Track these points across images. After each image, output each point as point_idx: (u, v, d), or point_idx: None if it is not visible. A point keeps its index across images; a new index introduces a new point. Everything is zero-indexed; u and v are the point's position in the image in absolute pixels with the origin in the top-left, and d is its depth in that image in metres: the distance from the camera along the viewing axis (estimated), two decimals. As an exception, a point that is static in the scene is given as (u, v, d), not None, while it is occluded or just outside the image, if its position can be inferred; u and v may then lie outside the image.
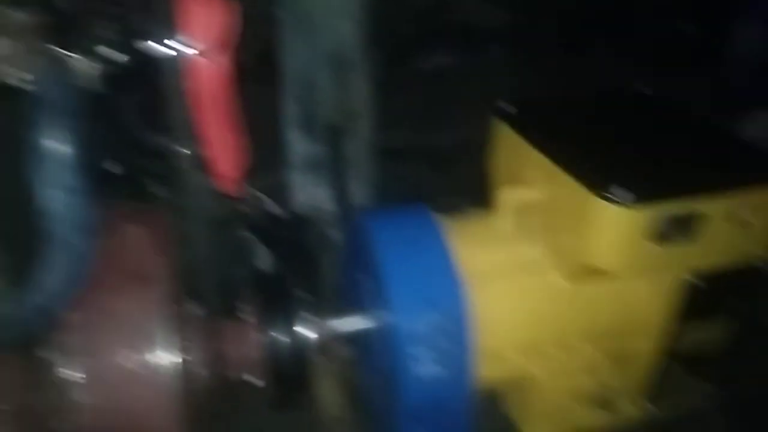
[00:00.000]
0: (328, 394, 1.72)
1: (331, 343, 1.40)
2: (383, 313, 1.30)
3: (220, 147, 1.07)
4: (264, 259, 2.50)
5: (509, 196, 1.43)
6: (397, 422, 1.35)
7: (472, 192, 1.67)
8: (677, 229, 1.25)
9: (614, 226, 1.23)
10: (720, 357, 1.52)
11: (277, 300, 1.36)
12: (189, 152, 1.05)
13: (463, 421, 1.37)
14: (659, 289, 1.36)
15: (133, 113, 1.15)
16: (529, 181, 1.44)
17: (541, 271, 1.39)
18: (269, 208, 2.97)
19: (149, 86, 1.07)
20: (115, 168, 1.33)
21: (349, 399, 1.70)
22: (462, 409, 1.34)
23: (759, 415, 2.22)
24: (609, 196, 1.22)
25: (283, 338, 1.31)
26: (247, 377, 1.34)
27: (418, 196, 1.74)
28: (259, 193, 3.05)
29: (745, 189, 1.26)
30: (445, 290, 1.28)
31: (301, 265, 2.56)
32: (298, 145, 3.02)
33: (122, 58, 1.05)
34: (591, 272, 1.32)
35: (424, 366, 1.27)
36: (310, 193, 3.05)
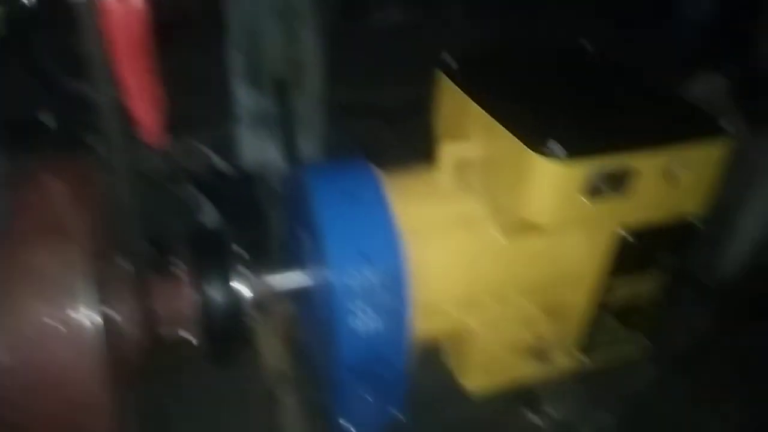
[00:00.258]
0: (271, 350, 1.71)
1: (269, 299, 1.38)
2: (321, 269, 1.28)
3: (139, 95, 1.01)
4: (205, 214, 2.45)
5: (449, 151, 1.42)
6: (337, 376, 1.35)
7: (425, 148, 1.65)
8: (610, 185, 1.25)
9: (549, 181, 1.23)
10: (651, 309, 1.56)
11: (213, 256, 1.33)
12: (108, 100, 0.99)
13: (401, 375, 1.37)
14: (592, 244, 1.38)
15: (47, 59, 1.08)
16: (470, 136, 1.42)
17: (479, 226, 1.39)
18: (215, 163, 2.89)
19: (63, 30, 0.99)
20: (38, 118, 1.25)
21: (291, 355, 1.69)
22: (400, 363, 1.35)
23: (688, 365, 2.33)
24: (543, 151, 1.21)
25: (217, 295, 1.28)
26: (181, 335, 1.31)
27: (369, 153, 1.72)
28: (204, 148, 2.97)
29: (678, 145, 1.27)
30: (383, 245, 1.27)
31: (246, 221, 2.52)
32: (245, 98, 2.94)
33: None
34: (527, 227, 1.32)
35: (362, 320, 1.26)
36: (257, 149, 2.99)
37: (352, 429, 1.41)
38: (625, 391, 1.71)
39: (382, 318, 1.27)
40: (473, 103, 1.39)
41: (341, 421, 1.41)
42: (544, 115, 1.31)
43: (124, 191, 1.07)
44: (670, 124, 1.32)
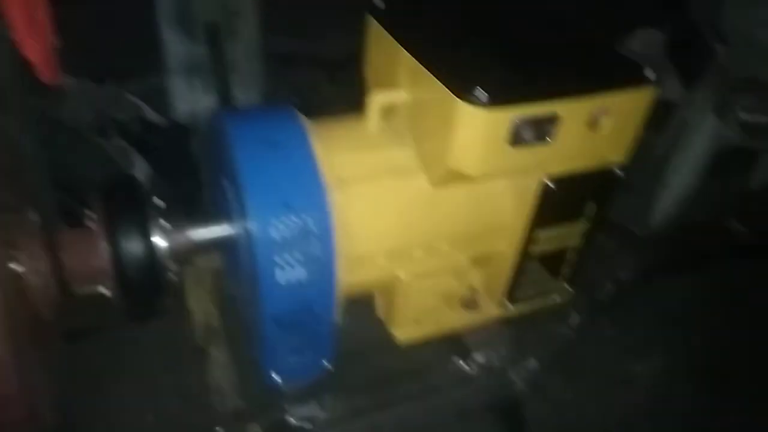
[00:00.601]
0: (199, 304, 1.67)
1: (190, 252, 1.33)
2: (243, 219, 1.24)
3: (28, 31, 0.93)
4: (136, 167, 2.35)
5: (377, 99, 1.37)
6: (263, 328, 1.32)
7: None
8: (535, 132, 1.24)
9: (473, 128, 1.20)
10: (576, 257, 1.59)
11: (128, 207, 1.26)
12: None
13: (328, 325, 1.36)
14: (519, 193, 1.38)
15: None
16: (398, 83, 1.38)
17: (407, 175, 1.36)
18: (146, 114, 2.77)
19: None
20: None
21: (220, 308, 1.66)
22: (327, 314, 1.33)
23: (613, 312, 2.41)
24: (468, 97, 1.18)
25: (133, 247, 1.22)
26: (96, 289, 1.25)
27: (308, 104, 1.66)
28: (134, 98, 2.83)
29: (601, 93, 1.26)
30: (307, 194, 1.23)
31: (180, 174, 2.43)
32: (176, 45, 2.80)
33: None
34: (455, 176, 1.30)
35: (286, 272, 1.23)
36: (190, 99, 2.87)
37: (279, 380, 1.40)
38: (551, 337, 1.75)
39: (307, 269, 1.24)
40: (401, 47, 1.35)
41: (269, 372, 1.40)
42: (471, 61, 1.27)
43: (23, 136, 0.99)
44: (595, 72, 1.31)
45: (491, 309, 1.58)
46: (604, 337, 2.46)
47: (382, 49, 1.43)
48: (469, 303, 1.57)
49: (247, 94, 2.96)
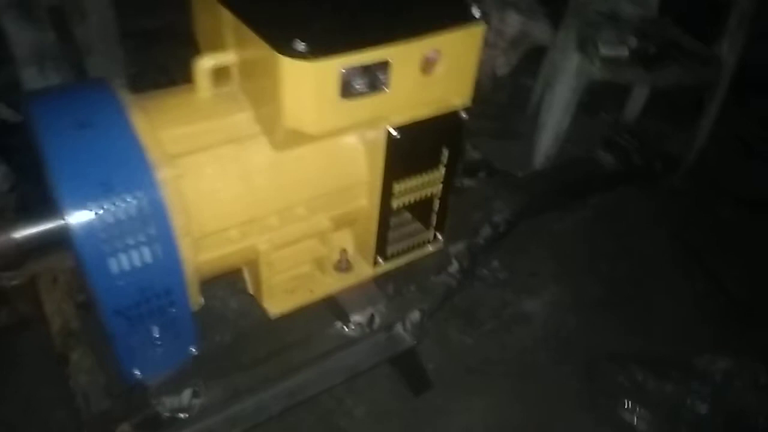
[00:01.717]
0: (56, 307, 1.53)
1: (17, 253, 1.19)
2: (60, 209, 1.11)
3: None
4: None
5: (202, 63, 1.26)
6: (110, 325, 1.21)
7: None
8: (367, 81, 1.17)
9: (300, 83, 1.12)
10: (442, 205, 1.55)
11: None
12: None
13: (184, 312, 1.26)
14: (368, 146, 1.31)
15: None
16: (225, 44, 1.27)
17: (247, 142, 1.27)
18: (-2, 112, 2.52)
19: None
20: None
21: (78, 310, 1.52)
22: (179, 299, 1.23)
23: (497, 255, 2.43)
24: (288, 50, 1.09)
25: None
26: None
27: (176, 80, 1.52)
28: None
29: (430, 35, 1.20)
30: (127, 174, 1.11)
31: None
32: (21, 34, 2.56)
33: None
34: (294, 136, 1.22)
35: (118, 260, 1.12)
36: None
37: (141, 375, 1.29)
38: (434, 287, 1.72)
39: (143, 254, 1.13)
40: (221, 5, 1.23)
41: (129, 369, 1.29)
42: (290, 14, 1.18)
43: None
44: (421, 14, 1.24)
45: (365, 268, 1.53)
46: (497, 279, 2.49)
47: (206, 9, 1.31)
48: (341, 265, 1.51)
49: (108, 75, 2.74)
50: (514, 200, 2.04)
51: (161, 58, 3.06)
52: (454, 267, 1.75)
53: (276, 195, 1.30)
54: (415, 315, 1.64)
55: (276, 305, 1.43)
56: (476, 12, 1.22)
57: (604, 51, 2.61)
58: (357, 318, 1.51)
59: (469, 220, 1.96)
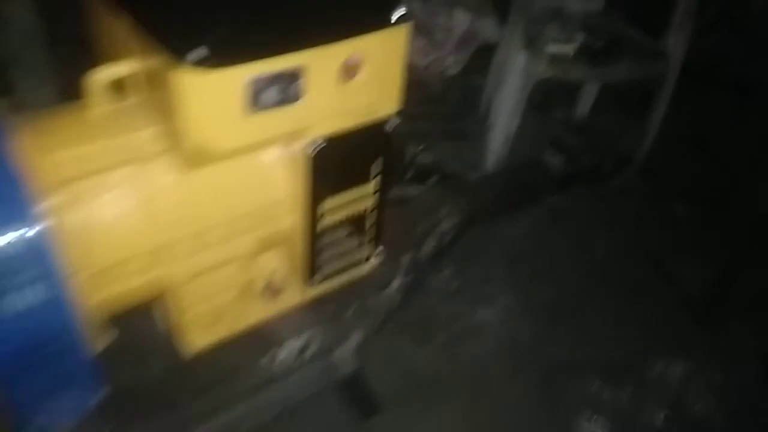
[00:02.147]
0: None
1: None
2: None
3: None
4: None
5: (96, 77, 1.12)
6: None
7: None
8: (279, 92, 1.06)
9: (202, 95, 1.00)
10: (377, 219, 1.44)
11: None
12: None
13: (82, 356, 1.12)
14: (288, 162, 1.20)
15: None
16: (122, 53, 1.14)
17: (147, 161, 1.13)
18: None
19: None
20: None
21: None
22: (75, 343, 1.09)
23: (448, 263, 2.34)
24: (187, 59, 0.97)
25: None
26: None
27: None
28: None
29: (347, 38, 1.09)
30: (5, 207, 0.97)
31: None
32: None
33: None
34: (202, 154, 1.09)
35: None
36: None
37: (41, 425, 1.15)
38: (377, 304, 1.61)
39: (25, 295, 0.99)
40: (117, 9, 1.10)
41: (27, 418, 1.15)
42: (194, 18, 1.05)
43: None
44: (340, 16, 1.13)
45: (295, 293, 1.41)
46: (449, 289, 2.40)
47: (101, 14, 1.17)
48: (269, 291, 1.39)
49: (36, 87, 2.56)
50: (460, 208, 1.95)
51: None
52: (397, 283, 1.65)
53: (185, 219, 1.17)
54: (354, 338, 1.53)
55: (195, 340, 1.30)
56: (400, 11, 1.11)
57: (550, 48, 2.55)
58: (288, 347, 1.40)
59: (415, 231, 1.86)
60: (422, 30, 3.50)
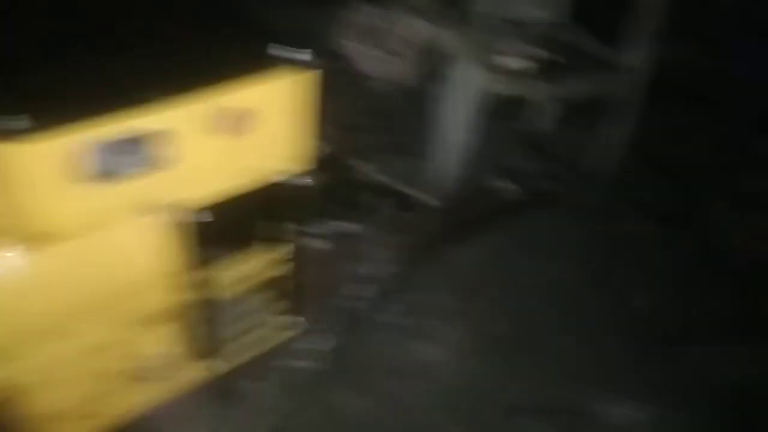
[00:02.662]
0: None
1: None
2: None
3: None
4: None
5: None
6: None
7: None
8: (132, 156, 0.85)
9: (34, 167, 0.79)
10: (291, 285, 1.25)
11: None
12: None
13: None
14: (151, 234, 0.99)
15: None
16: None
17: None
18: None
19: None
20: None
21: None
22: None
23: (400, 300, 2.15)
24: (9, 131, 0.76)
25: None
26: None
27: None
28: None
29: (228, 89, 0.89)
30: None
31: None
32: None
33: None
34: (46, 231, 0.89)
35: None
36: None
37: None
38: (295, 374, 1.42)
39: None
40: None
41: None
42: (16, 84, 0.84)
43: None
44: (217, 63, 0.92)
45: (194, 372, 1.21)
46: (400, 326, 2.21)
47: None
48: (159, 373, 1.19)
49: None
50: (410, 239, 1.76)
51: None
52: (325, 345, 1.46)
53: (42, 307, 0.97)
54: (270, 418, 1.34)
55: (69, 435, 1.10)
56: (303, 56, 0.91)
57: (503, 62, 2.37)
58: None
59: (348, 278, 1.66)
60: (378, 38, 3.30)
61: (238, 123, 0.90)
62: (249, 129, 0.91)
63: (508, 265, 2.44)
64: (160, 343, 1.14)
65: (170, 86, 0.84)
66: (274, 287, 1.16)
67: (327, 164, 2.72)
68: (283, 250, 1.10)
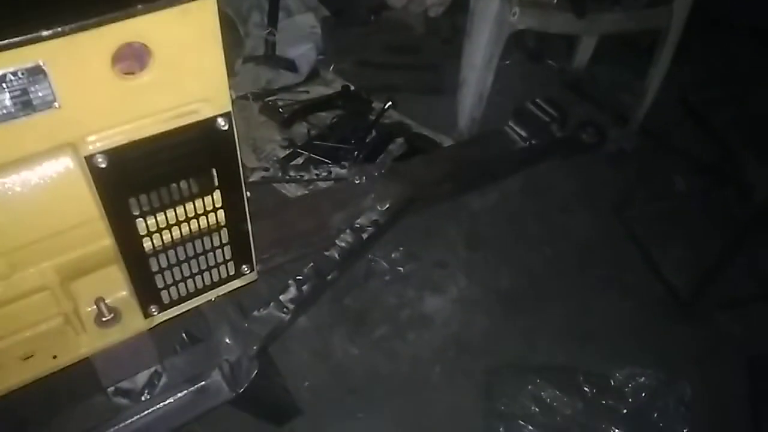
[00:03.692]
0: None
1: None
2: None
3: None
4: None
5: None
6: None
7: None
8: (14, 96, 0.76)
9: None
10: (230, 234, 1.16)
11: None
12: None
13: None
14: (69, 176, 0.91)
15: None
16: None
17: None
18: None
19: None
20: None
21: None
22: None
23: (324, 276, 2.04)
24: None
25: None
26: None
27: None
28: None
29: (115, 20, 0.77)
30: None
31: None
32: None
33: None
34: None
35: None
36: None
37: None
38: (254, 323, 1.35)
39: None
40: None
41: None
42: None
43: None
44: None
45: (136, 320, 1.15)
46: (397, 273, 2.13)
47: None
48: (102, 319, 1.14)
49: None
50: (390, 196, 1.64)
51: None
52: (288, 295, 1.38)
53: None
54: (227, 363, 1.28)
55: (4, 378, 1.07)
56: None
57: (527, -6, 2.12)
58: (125, 383, 1.16)
59: (325, 226, 1.56)
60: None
61: (133, 61, 0.78)
62: (149, 66, 0.79)
63: (521, 215, 2.28)
64: (96, 290, 1.08)
65: (55, 17, 0.73)
66: (210, 235, 1.07)
67: (341, 100, 2.60)
68: (217, 199, 1.00)
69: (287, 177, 1.69)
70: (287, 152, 2.26)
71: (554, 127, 1.87)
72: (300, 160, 2.24)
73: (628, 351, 1.82)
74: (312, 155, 2.22)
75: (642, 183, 2.35)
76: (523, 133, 1.85)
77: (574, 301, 1.97)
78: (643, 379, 1.75)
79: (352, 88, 2.57)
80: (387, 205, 1.57)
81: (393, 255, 2.09)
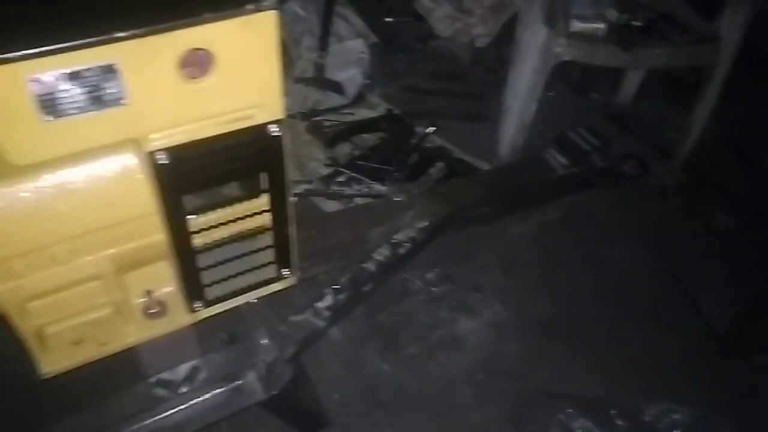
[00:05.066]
0: None
1: None
2: None
3: None
4: None
5: None
6: None
7: None
8: (85, 93, 0.82)
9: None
10: (274, 237, 1.20)
11: None
12: None
13: None
14: (130, 173, 0.97)
15: None
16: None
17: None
18: None
19: None
20: None
21: None
22: None
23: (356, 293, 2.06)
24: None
25: None
26: None
27: None
28: None
29: (186, 26, 0.83)
30: None
31: None
32: None
33: None
34: (14, 168, 0.88)
35: None
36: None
37: None
38: (291, 327, 1.38)
39: None
40: None
41: None
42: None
43: None
44: (167, 3, 0.86)
45: (181, 314, 1.20)
46: (432, 294, 2.14)
47: None
48: (150, 310, 1.19)
49: None
50: (429, 214, 1.66)
51: None
52: (325, 303, 1.41)
53: (13, 235, 0.97)
54: (263, 364, 1.31)
55: (51, 361, 1.13)
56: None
57: (576, 26, 2.15)
58: (165, 374, 1.20)
59: (364, 240, 1.59)
60: (451, -3, 3.14)
61: (197, 65, 0.84)
62: (211, 71, 0.85)
63: (558, 244, 2.26)
64: (146, 283, 1.13)
65: (129, 21, 0.79)
66: (262, 238, 1.11)
67: (384, 123, 2.65)
68: (264, 203, 1.04)
69: (329, 191, 1.73)
70: (330, 170, 2.31)
71: (595, 157, 1.87)
72: (342, 179, 2.29)
73: (663, 386, 1.77)
74: (354, 174, 2.27)
75: (684, 219, 2.31)
76: (563, 161, 1.86)
77: (609, 332, 1.94)
78: (678, 415, 1.70)
79: (396, 112, 2.62)
80: (425, 223, 1.59)
81: (428, 276, 2.10)
